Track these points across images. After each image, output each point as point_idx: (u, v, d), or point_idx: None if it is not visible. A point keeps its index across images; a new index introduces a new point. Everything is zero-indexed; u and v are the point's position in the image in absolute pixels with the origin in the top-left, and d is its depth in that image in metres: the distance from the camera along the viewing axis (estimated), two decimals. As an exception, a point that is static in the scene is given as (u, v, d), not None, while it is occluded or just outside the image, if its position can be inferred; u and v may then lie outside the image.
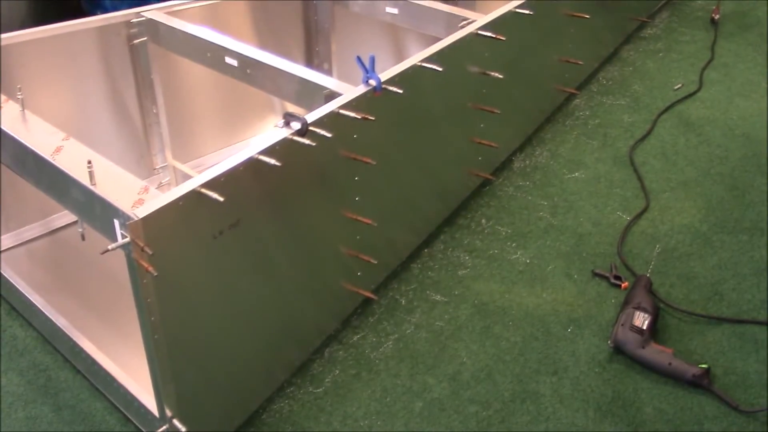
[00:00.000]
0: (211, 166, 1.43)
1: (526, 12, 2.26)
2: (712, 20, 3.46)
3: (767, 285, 2.01)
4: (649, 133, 2.69)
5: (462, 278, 2.07)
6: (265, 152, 1.46)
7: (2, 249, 2.10)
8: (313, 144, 1.53)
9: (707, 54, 3.21)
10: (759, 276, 2.04)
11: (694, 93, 2.93)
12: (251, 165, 1.45)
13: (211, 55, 2.02)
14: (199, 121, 2.47)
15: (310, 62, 2.71)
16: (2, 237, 2.11)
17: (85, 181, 1.37)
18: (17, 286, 1.90)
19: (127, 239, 1.26)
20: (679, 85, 2.98)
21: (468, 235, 2.23)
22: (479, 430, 1.64)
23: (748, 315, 1.92)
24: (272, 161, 1.44)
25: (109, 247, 1.29)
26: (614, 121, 2.77)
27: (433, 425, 1.66)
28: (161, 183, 2.37)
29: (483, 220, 2.28)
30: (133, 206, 1.29)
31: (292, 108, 1.84)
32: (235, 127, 2.59)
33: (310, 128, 1.55)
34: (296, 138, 1.52)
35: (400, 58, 2.85)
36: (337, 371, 1.78)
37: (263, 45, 2.51)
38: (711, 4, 3.57)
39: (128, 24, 2.17)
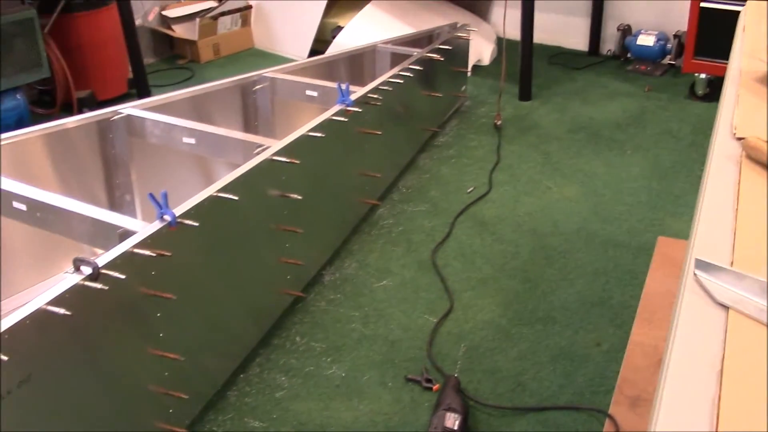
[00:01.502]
0: (12, 311, 1.38)
1: (318, 135, 2.39)
2: (495, 126, 3.79)
3: (563, 370, 2.17)
4: (448, 236, 2.87)
5: (280, 400, 2.07)
6: (53, 302, 1.43)
7: None
8: (106, 288, 1.51)
9: (494, 157, 3.50)
10: (555, 363, 2.20)
11: (485, 194, 3.17)
12: (39, 317, 1.41)
13: (-3, 201, 1.96)
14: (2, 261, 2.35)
15: (111, 195, 2.68)
16: None
17: None
18: None
19: None
20: (472, 188, 3.22)
21: (283, 354, 2.25)
22: None
23: (549, 401, 2.06)
24: (61, 311, 1.41)
25: None
26: (416, 227, 2.94)
27: None
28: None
29: (297, 338, 2.31)
30: None
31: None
32: (45, 261, 2.48)
33: (102, 271, 1.54)
34: (87, 284, 1.50)
35: (206, 184, 2.88)
36: None
37: (63, 181, 2.46)
38: (493, 110, 3.92)
39: None
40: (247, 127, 3.08)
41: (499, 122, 3.80)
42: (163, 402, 1.82)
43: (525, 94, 4.18)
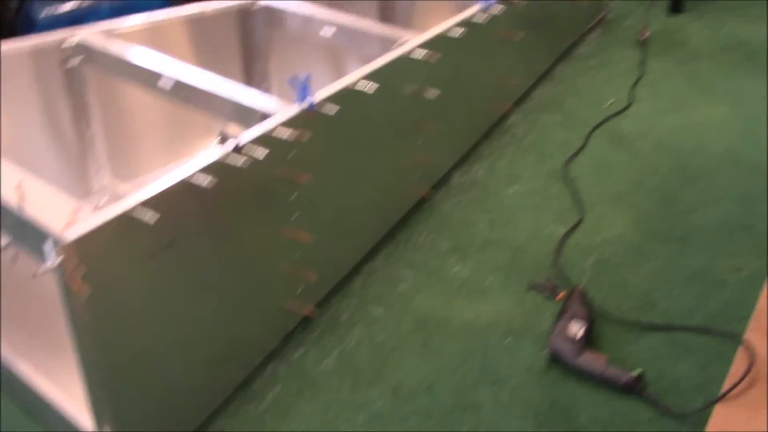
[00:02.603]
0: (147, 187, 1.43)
1: (458, 33, 2.32)
2: (641, 39, 3.58)
3: (696, 292, 2.08)
4: (582, 148, 2.77)
5: (402, 293, 2.09)
6: (199, 172, 1.47)
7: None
8: (248, 163, 1.55)
9: (637, 71, 3.32)
10: (688, 284, 2.11)
11: (625, 109, 3.03)
12: (185, 185, 1.46)
13: (146, 78, 2.02)
14: (138, 140, 2.46)
15: (249, 81, 2.73)
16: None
17: (14, 203, 1.36)
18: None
19: (58, 262, 1.25)
20: (611, 102, 3.07)
21: (408, 249, 2.26)
22: (420, 442, 1.66)
23: (679, 321, 1.98)
24: (206, 181, 1.45)
25: (40, 270, 1.28)
26: (549, 137, 2.85)
27: (374, 439, 1.67)
28: (98, 204, 2.34)
29: (423, 235, 2.32)
30: (64, 228, 1.28)
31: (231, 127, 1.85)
32: (176, 145, 2.58)
33: (245, 148, 1.56)
34: (230, 158, 1.53)
35: (339, 77, 2.89)
36: (279, 388, 1.79)
37: (202, 66, 2.51)
38: (639, 23, 3.70)
39: (61, 47, 2.15)
40: (383, 23, 3.04)
41: (645, 36, 3.59)
42: (292, 281, 1.88)
43: (675, 7, 3.92)
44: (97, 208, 1.82)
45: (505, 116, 2.97)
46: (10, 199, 1.38)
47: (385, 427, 1.69)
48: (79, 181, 2.33)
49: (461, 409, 1.74)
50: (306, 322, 1.97)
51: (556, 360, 1.85)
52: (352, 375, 1.82)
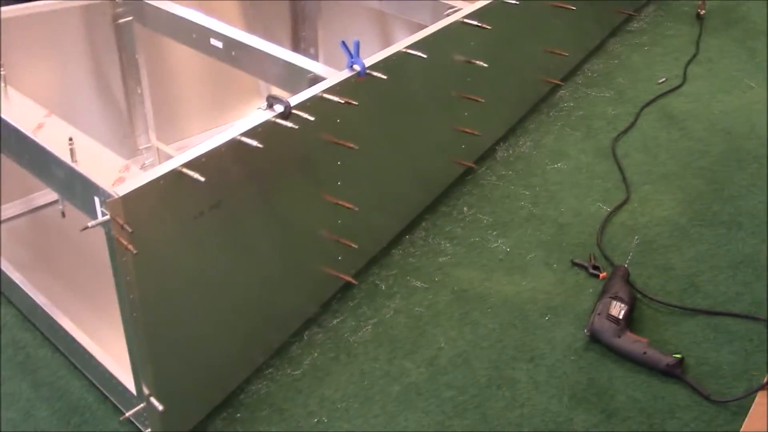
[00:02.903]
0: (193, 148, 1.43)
1: (513, 2, 2.27)
2: (698, 15, 3.48)
3: (743, 278, 2.03)
4: (631, 125, 2.71)
5: (442, 265, 2.08)
6: (247, 134, 1.47)
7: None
8: (296, 127, 1.54)
9: (692, 49, 3.23)
10: (735, 269, 2.06)
11: (678, 87, 2.95)
12: (233, 146, 1.46)
13: (197, 37, 2.02)
14: (184, 102, 2.47)
15: (296, 47, 2.71)
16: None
17: (66, 158, 1.38)
18: (-3, 264, 1.90)
19: (107, 217, 1.27)
20: (663, 79, 3.00)
21: (449, 222, 2.24)
22: (455, 414, 1.66)
23: (723, 307, 1.94)
24: (254, 143, 1.45)
25: (89, 224, 1.29)
26: (598, 113, 2.79)
27: (409, 409, 1.67)
28: (144, 164, 2.36)
29: (465, 208, 2.30)
30: (113, 184, 1.29)
31: (277, 91, 1.85)
32: (220, 109, 2.59)
33: (293, 111, 1.56)
34: (279, 120, 1.53)
35: (386, 45, 2.86)
36: (316, 354, 1.80)
37: (250, 29, 2.50)
38: (697, -1, 3.60)
39: (113, 3, 2.16)
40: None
41: (702, 12, 3.48)
42: (333, 248, 1.88)
43: (735, -16, 3.79)
44: (143, 168, 1.84)
45: (554, 90, 2.92)
46: (62, 154, 1.39)
47: (419, 398, 1.70)
48: (125, 139, 2.35)
49: (497, 384, 1.73)
50: (345, 290, 1.97)
51: (595, 340, 1.83)
52: (389, 345, 1.83)
